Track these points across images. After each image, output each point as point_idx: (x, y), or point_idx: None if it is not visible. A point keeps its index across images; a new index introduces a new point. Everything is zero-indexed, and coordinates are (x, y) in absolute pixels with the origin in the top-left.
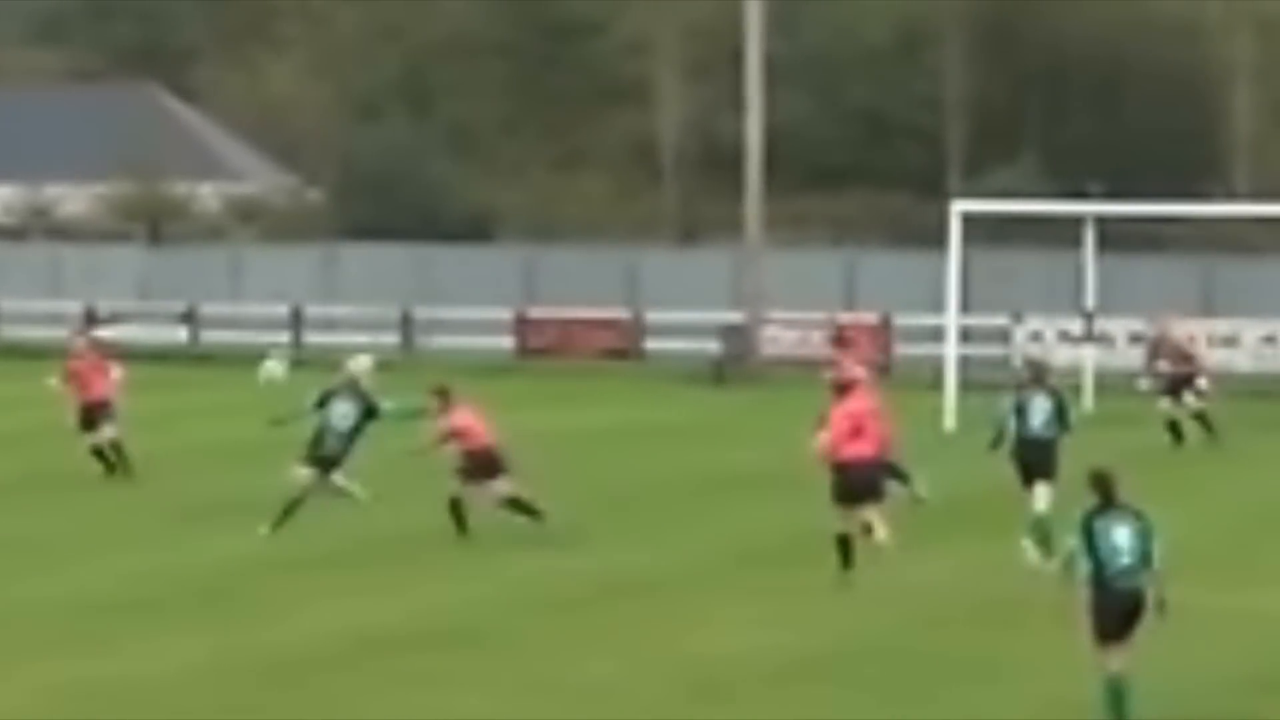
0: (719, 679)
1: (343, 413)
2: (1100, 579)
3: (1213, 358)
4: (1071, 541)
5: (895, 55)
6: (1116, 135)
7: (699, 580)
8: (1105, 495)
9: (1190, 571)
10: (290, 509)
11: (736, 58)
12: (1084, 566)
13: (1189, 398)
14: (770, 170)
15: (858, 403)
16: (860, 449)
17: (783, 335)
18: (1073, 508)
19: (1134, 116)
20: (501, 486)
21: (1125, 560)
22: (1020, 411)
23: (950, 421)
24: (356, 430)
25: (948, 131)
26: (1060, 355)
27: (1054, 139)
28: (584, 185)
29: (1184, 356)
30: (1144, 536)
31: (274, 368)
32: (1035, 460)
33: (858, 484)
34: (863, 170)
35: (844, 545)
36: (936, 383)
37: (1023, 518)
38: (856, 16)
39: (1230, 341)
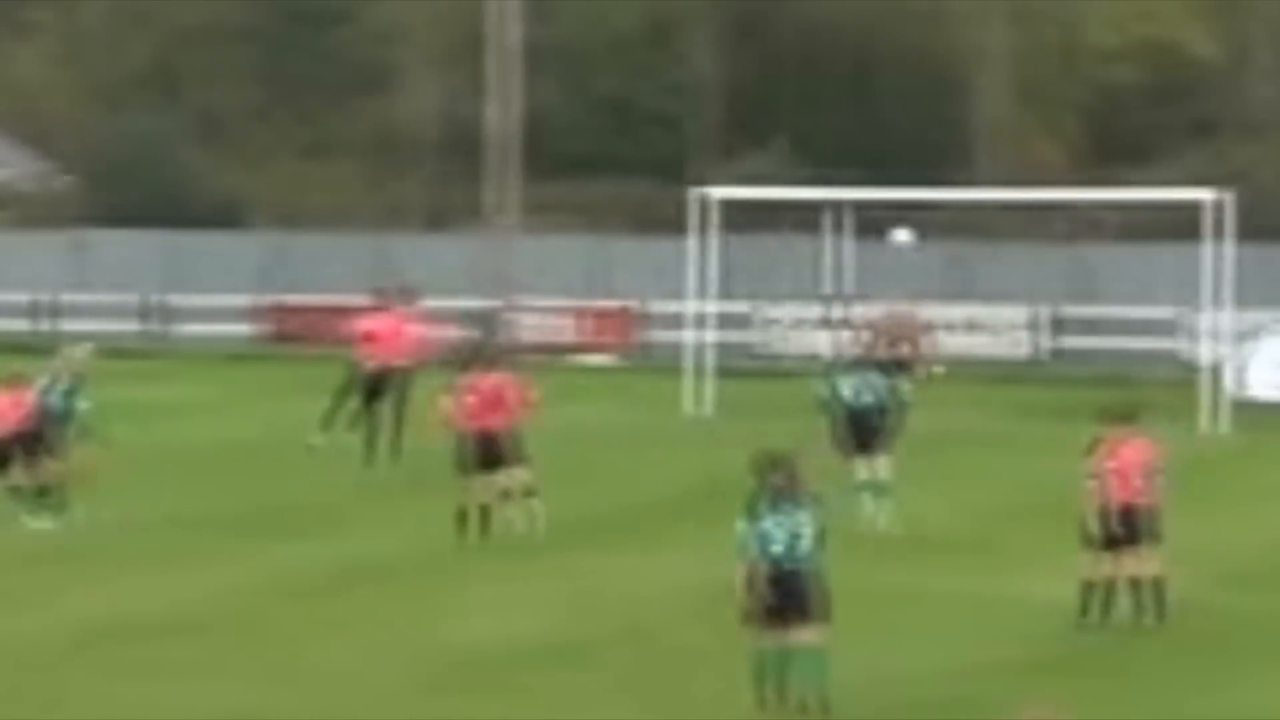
0: (460, 665)
1: (59, 395)
2: (756, 562)
3: (936, 345)
4: (739, 525)
5: (645, 42)
6: (868, 122)
7: (443, 567)
8: (763, 480)
9: (940, 556)
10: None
11: (486, 45)
12: (748, 549)
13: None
14: (521, 157)
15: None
16: (489, 421)
17: (531, 322)
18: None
19: (885, 103)
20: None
21: (778, 547)
22: (838, 388)
23: (689, 407)
24: (66, 416)
25: (699, 118)
26: (802, 341)
27: (805, 125)
28: (332, 172)
29: (902, 341)
30: (801, 524)
31: None
32: (864, 431)
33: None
34: (614, 157)
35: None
36: (690, 369)
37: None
38: (607, 3)
39: (977, 327)
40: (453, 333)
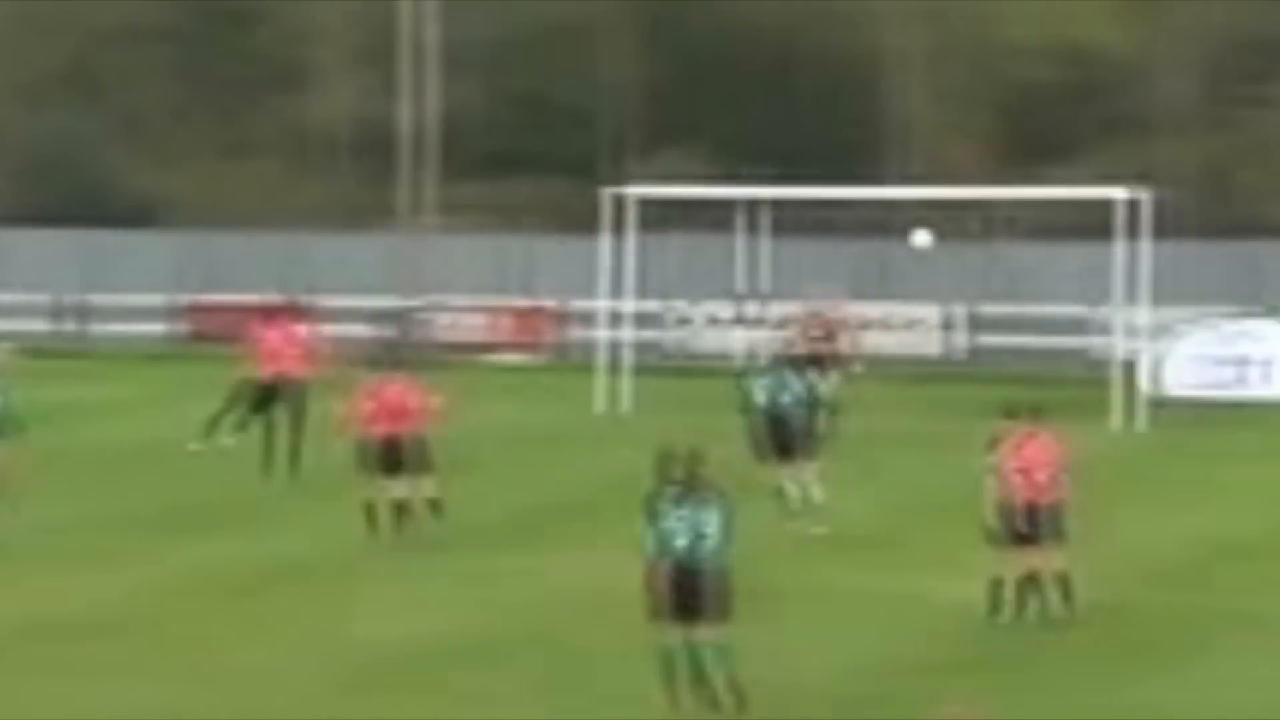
0: (374, 664)
1: None
2: (656, 558)
3: (858, 343)
4: (641, 523)
5: (562, 41)
6: (785, 120)
7: (357, 567)
8: (668, 476)
9: (855, 554)
10: None
11: (401, 44)
12: (647, 545)
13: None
14: (437, 156)
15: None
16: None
17: (447, 321)
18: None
19: (802, 102)
20: None
21: (681, 541)
22: (753, 391)
23: (603, 405)
24: None
25: (615, 117)
26: (716, 340)
27: (722, 124)
28: (248, 171)
29: (829, 335)
30: (707, 520)
31: None
32: (783, 433)
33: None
34: (530, 156)
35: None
36: (612, 366)
37: None
38: (523, 1)
39: (893, 326)
40: (365, 333)
